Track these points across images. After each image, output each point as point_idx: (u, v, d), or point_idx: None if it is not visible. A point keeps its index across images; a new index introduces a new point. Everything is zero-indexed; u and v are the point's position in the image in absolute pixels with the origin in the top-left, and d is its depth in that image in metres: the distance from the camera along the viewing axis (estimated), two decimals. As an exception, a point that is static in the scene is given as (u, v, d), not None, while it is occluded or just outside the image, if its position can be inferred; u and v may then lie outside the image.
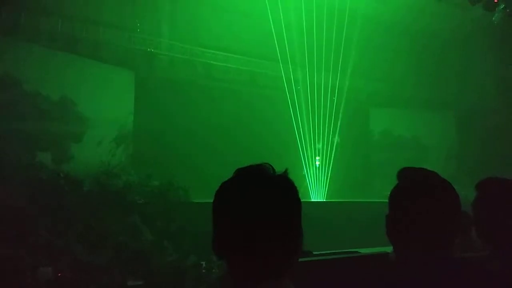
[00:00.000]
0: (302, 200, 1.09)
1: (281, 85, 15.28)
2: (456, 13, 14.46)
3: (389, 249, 1.66)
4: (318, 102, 15.74)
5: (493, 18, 10.52)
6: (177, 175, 10.23)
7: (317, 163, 15.63)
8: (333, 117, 15.75)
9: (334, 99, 15.89)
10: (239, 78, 15.28)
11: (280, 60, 15.12)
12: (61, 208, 7.09)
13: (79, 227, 6.84)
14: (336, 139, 15.65)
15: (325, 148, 15.74)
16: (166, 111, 13.12)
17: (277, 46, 14.88)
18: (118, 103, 12.69)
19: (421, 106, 17.31)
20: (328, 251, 2.62)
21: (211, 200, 1.07)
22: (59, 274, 5.84)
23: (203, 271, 6.82)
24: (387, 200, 1.42)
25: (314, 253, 2.50)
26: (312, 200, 14.89)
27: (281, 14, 14.76)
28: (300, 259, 1.10)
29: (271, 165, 1.09)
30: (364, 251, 2.72)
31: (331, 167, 15.64)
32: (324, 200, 15.20)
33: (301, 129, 15.45)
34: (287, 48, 15.04)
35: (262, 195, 1.02)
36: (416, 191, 1.36)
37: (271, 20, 14.64)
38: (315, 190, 15.54)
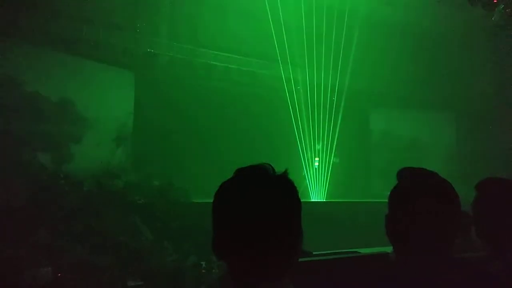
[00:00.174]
0: (302, 200, 1.09)
1: (281, 85, 15.28)
2: (456, 14, 14.46)
3: (389, 249, 1.66)
4: (318, 102, 15.74)
5: (493, 19, 10.51)
6: (177, 175, 10.25)
7: (316, 164, 15.63)
8: (332, 117, 15.76)
9: (334, 99, 15.89)
10: (239, 78, 15.28)
11: (280, 61, 15.13)
12: (61, 208, 7.09)
13: (79, 227, 6.83)
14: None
15: (324, 149, 15.74)
16: (166, 112, 13.12)
17: (277, 47, 14.89)
18: (118, 103, 12.69)
19: (420, 106, 17.31)
20: (328, 251, 2.62)
21: (211, 200, 1.07)
22: (59, 274, 5.84)
23: (203, 271, 6.82)
24: (386, 200, 1.42)
25: (314, 253, 2.50)
26: (312, 200, 14.90)
27: (281, 15, 14.76)
28: (300, 259, 1.10)
29: (271, 165, 1.09)
30: (364, 251, 2.72)
31: (331, 168, 15.64)
32: (324, 200, 15.20)
33: (301, 129, 15.45)
34: (287, 49, 15.05)
35: (262, 195, 1.02)
36: (416, 191, 1.36)
37: (271, 21, 14.64)
38: (315, 190, 15.55)
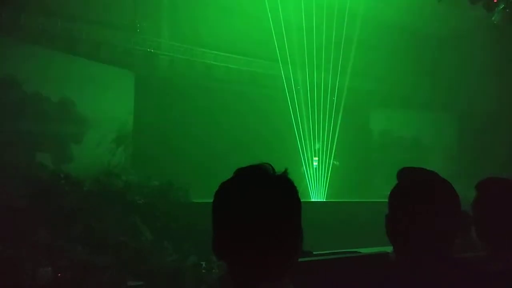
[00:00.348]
0: (302, 200, 1.09)
1: (281, 85, 15.28)
2: (456, 13, 14.45)
3: (389, 249, 1.66)
4: (318, 102, 15.74)
5: (493, 18, 10.50)
6: (177, 175, 10.25)
7: (315, 163, 15.63)
8: (333, 117, 15.76)
9: (334, 99, 15.89)
10: (239, 79, 15.28)
11: (280, 60, 15.13)
12: (61, 208, 7.09)
13: (79, 227, 6.84)
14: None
15: (324, 149, 15.74)
16: (166, 112, 13.13)
17: (277, 47, 14.89)
18: (118, 103, 12.69)
19: (420, 106, 17.31)
20: (328, 251, 2.62)
21: (211, 200, 1.07)
22: (59, 274, 5.84)
23: (203, 271, 6.83)
24: (387, 200, 1.42)
25: (314, 253, 2.50)
26: (312, 200, 14.90)
27: (281, 15, 14.76)
28: (300, 259, 1.10)
29: (271, 165, 1.09)
30: (364, 251, 2.71)
31: (331, 168, 15.64)
32: (324, 200, 15.20)
33: (301, 129, 15.45)
34: (287, 49, 15.05)
35: (262, 195, 1.02)
36: (416, 191, 1.36)
37: (271, 21, 14.64)
38: (315, 190, 15.55)
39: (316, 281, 1.84)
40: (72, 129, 11.62)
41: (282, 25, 14.80)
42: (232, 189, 1.06)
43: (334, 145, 15.67)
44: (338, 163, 15.75)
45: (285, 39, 14.94)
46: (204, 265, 6.94)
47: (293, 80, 15.45)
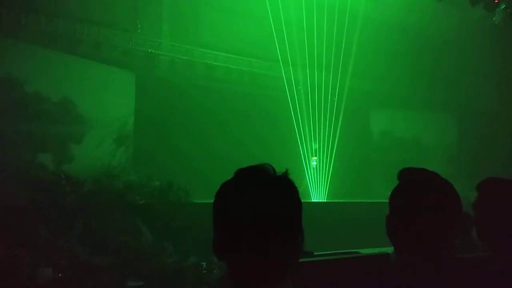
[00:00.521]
0: (302, 201, 1.09)
1: (281, 86, 15.28)
2: (457, 14, 14.46)
3: (390, 249, 1.66)
4: (319, 103, 15.75)
5: (494, 19, 10.50)
6: (177, 176, 10.25)
7: (314, 163, 15.62)
8: (333, 117, 15.76)
9: (335, 100, 15.89)
10: (239, 79, 15.29)
11: (280, 61, 15.13)
12: (62, 208, 7.09)
13: (80, 228, 6.84)
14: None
15: (324, 148, 15.74)
16: (167, 112, 13.13)
17: (277, 47, 14.89)
18: (118, 104, 12.70)
19: (421, 107, 17.31)
20: (329, 252, 2.62)
21: (212, 201, 1.07)
22: (60, 275, 5.84)
23: (204, 271, 6.82)
24: (387, 201, 1.42)
25: (315, 253, 2.49)
26: (312, 200, 14.89)
27: (282, 15, 14.77)
28: (300, 260, 1.09)
29: (271, 166, 1.09)
30: (364, 251, 2.71)
31: (331, 168, 15.63)
32: (325, 200, 15.19)
33: (301, 129, 15.45)
34: (287, 49, 15.05)
35: (262, 195, 1.02)
36: (417, 191, 1.36)
37: (271, 21, 14.64)
38: (316, 190, 15.54)
39: (316, 282, 1.84)
40: (72, 129, 11.62)
41: (283, 25, 14.81)
42: (233, 190, 1.06)
43: (335, 146, 15.67)
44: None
45: (285, 40, 14.95)
46: (204, 265, 6.94)
47: (294, 81, 15.46)
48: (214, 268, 6.78)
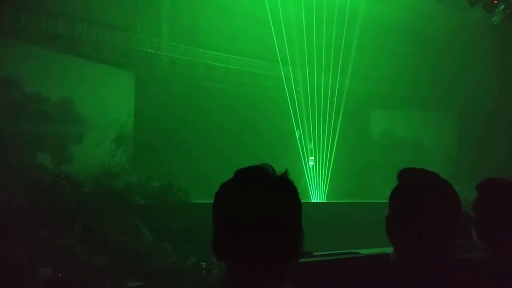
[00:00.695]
0: (302, 201, 1.09)
1: (281, 86, 15.28)
2: (456, 14, 14.47)
3: (389, 250, 1.66)
4: (318, 103, 15.75)
5: (493, 19, 10.51)
6: (177, 176, 10.25)
7: (311, 163, 15.62)
8: (333, 117, 15.76)
9: (334, 100, 15.89)
10: (239, 79, 15.28)
11: (280, 61, 15.13)
12: (62, 208, 7.09)
13: (80, 228, 6.84)
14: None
15: (324, 148, 15.74)
16: (166, 112, 13.12)
17: (277, 47, 14.89)
18: (118, 104, 12.69)
19: (421, 107, 17.31)
20: (329, 252, 2.62)
21: (211, 201, 1.07)
22: (59, 275, 5.84)
23: (203, 272, 6.82)
24: (387, 201, 1.42)
25: (315, 254, 2.50)
26: (312, 200, 14.89)
27: (281, 16, 14.77)
28: (300, 260, 1.09)
29: (271, 166, 1.09)
30: (364, 251, 2.71)
31: (331, 168, 15.63)
32: (324, 201, 15.19)
33: (301, 129, 15.46)
34: (287, 49, 15.05)
35: (262, 196, 1.02)
36: (417, 192, 1.36)
37: (271, 22, 14.64)
38: (315, 191, 15.54)
39: (316, 282, 1.84)
40: (72, 129, 11.61)
41: (282, 26, 14.81)
42: (233, 190, 1.06)
43: (334, 146, 15.67)
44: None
45: (285, 40, 14.95)
46: (204, 266, 6.94)
47: (293, 81, 15.46)
48: (214, 269, 6.78)
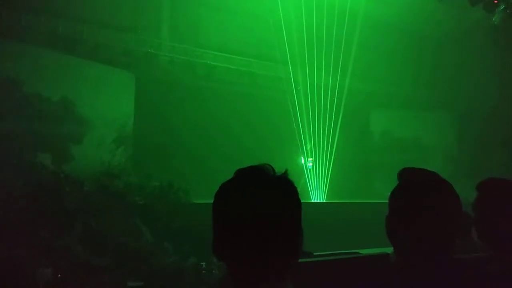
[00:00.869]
0: (302, 201, 1.09)
1: (281, 86, 15.28)
2: (456, 14, 14.45)
3: (389, 250, 1.65)
4: (318, 103, 15.75)
5: (493, 19, 10.50)
6: (177, 176, 10.25)
7: (310, 164, 15.62)
8: (333, 117, 15.76)
9: (334, 100, 15.89)
10: (239, 79, 15.28)
11: (280, 61, 15.13)
12: (62, 208, 7.09)
13: (80, 228, 6.84)
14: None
15: (324, 149, 15.74)
16: (166, 112, 13.13)
17: (277, 48, 14.89)
18: (118, 104, 12.70)
19: (421, 107, 17.31)
20: (329, 252, 2.61)
21: (211, 201, 1.07)
22: (59, 275, 5.84)
23: (203, 272, 6.82)
24: (387, 201, 1.41)
25: (315, 254, 2.49)
26: (312, 200, 14.88)
27: (281, 16, 14.77)
28: (300, 260, 1.09)
29: (271, 166, 1.09)
30: (364, 252, 2.71)
31: (331, 168, 15.63)
32: (324, 201, 15.19)
33: (301, 129, 15.46)
34: (287, 50, 15.05)
35: (262, 196, 1.02)
36: (417, 191, 1.36)
37: (271, 22, 14.64)
38: (315, 191, 15.54)
39: (316, 282, 1.84)
40: (72, 129, 11.62)
41: (283, 26, 14.82)
42: (232, 190, 1.06)
43: (334, 146, 15.67)
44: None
45: (285, 41, 14.95)
46: (204, 266, 6.94)
47: (294, 81, 15.46)
48: (214, 269, 6.77)
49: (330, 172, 15.62)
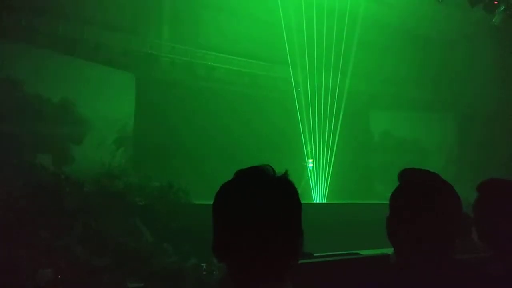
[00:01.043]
0: (302, 202, 1.08)
1: (281, 87, 15.28)
2: (457, 15, 14.45)
3: (390, 250, 1.65)
4: (319, 104, 15.75)
5: (493, 20, 10.49)
6: (177, 177, 10.25)
7: (310, 165, 15.62)
8: (333, 118, 15.76)
9: (335, 101, 15.89)
10: (239, 80, 15.29)
11: (280, 62, 15.13)
12: (62, 209, 7.09)
13: (80, 228, 6.84)
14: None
15: (324, 150, 15.73)
16: (167, 113, 13.13)
17: (278, 48, 14.90)
18: (118, 105, 12.71)
19: (421, 108, 17.30)
20: (329, 253, 2.61)
21: (212, 202, 1.07)
22: (59, 276, 5.83)
23: (204, 273, 6.81)
24: (388, 202, 1.41)
25: (315, 255, 2.49)
26: (313, 201, 14.88)
27: (282, 17, 14.78)
28: (300, 261, 1.09)
29: (271, 167, 1.09)
30: (365, 252, 2.71)
31: (331, 169, 15.63)
32: (325, 201, 15.18)
33: (301, 130, 15.45)
34: (287, 50, 15.06)
35: (262, 196, 1.02)
36: (417, 192, 1.36)
37: (272, 23, 14.65)
38: (316, 191, 15.53)
39: (316, 283, 1.84)
40: (72, 130, 11.63)
41: (283, 27, 14.83)
42: (233, 191, 1.06)
43: (335, 147, 15.66)
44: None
45: (285, 41, 14.96)
46: (204, 266, 6.93)
47: (294, 82, 15.46)
48: (214, 269, 6.77)
49: (330, 173, 15.62)
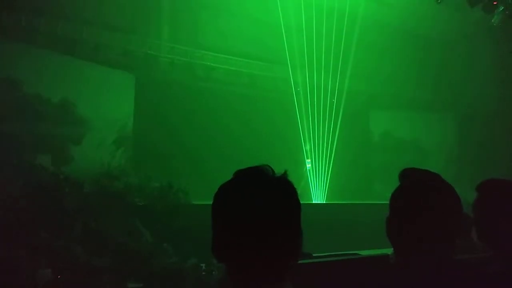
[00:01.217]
0: (302, 202, 1.08)
1: (281, 87, 15.28)
2: (456, 16, 14.46)
3: (389, 251, 1.65)
4: (318, 104, 15.75)
5: (492, 20, 10.50)
6: (177, 177, 10.25)
7: (308, 165, 15.61)
8: (332, 118, 15.76)
9: (334, 101, 15.89)
10: (239, 80, 15.28)
11: (280, 63, 15.13)
12: (62, 209, 7.09)
13: (79, 229, 6.84)
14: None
15: (324, 150, 15.73)
16: (166, 113, 13.13)
17: (277, 49, 14.89)
18: (118, 105, 12.70)
19: (421, 108, 17.30)
20: (328, 253, 2.61)
21: (211, 202, 1.07)
22: (59, 276, 5.83)
23: (203, 273, 6.81)
24: (387, 202, 1.41)
25: (314, 255, 2.49)
26: (312, 201, 14.88)
27: (281, 17, 14.78)
28: (300, 261, 1.09)
29: (270, 167, 1.09)
30: (364, 253, 2.71)
31: (331, 169, 15.62)
32: (324, 202, 15.18)
33: (300, 130, 15.45)
34: (287, 51, 15.05)
35: (261, 197, 1.02)
36: (417, 193, 1.36)
37: (271, 23, 14.64)
38: (315, 192, 15.53)
39: (316, 283, 1.84)
40: (72, 130, 11.62)
41: (282, 27, 14.83)
42: (232, 191, 1.06)
43: (334, 147, 15.66)
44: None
45: (285, 42, 14.96)
46: (204, 267, 6.94)
47: (293, 82, 15.46)
48: (214, 270, 6.77)
49: (330, 173, 15.62)
